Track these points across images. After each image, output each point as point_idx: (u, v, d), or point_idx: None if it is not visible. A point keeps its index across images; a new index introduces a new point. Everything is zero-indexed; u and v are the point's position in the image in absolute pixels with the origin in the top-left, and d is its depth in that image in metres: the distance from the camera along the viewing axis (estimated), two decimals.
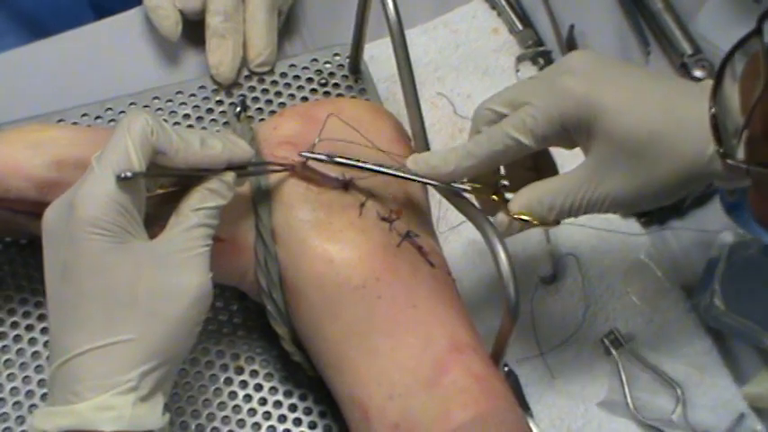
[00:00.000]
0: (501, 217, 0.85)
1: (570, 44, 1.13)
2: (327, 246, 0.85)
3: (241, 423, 0.91)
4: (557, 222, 0.85)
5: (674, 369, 0.96)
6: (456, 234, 1.01)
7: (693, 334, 0.98)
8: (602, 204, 0.82)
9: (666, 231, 1.04)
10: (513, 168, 0.89)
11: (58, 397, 0.74)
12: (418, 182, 0.87)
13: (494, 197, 0.87)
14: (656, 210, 1.03)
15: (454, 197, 0.87)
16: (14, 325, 0.94)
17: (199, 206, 0.79)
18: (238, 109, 1.03)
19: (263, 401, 0.92)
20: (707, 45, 1.13)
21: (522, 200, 0.84)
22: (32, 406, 0.90)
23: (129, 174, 0.74)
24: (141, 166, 0.75)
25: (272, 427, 0.91)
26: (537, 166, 0.89)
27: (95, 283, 0.74)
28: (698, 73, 1.11)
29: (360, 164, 0.87)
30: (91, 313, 0.74)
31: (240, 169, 0.82)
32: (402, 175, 0.87)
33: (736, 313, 0.97)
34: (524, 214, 0.83)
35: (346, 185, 0.88)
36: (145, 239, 0.76)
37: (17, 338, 0.93)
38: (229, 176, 0.81)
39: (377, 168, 0.87)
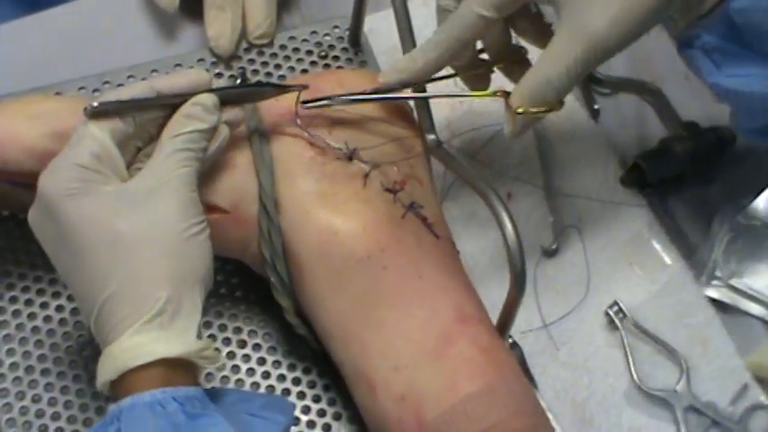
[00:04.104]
0: (506, 116, 0.84)
1: None
2: (332, 217, 0.84)
3: None
4: (561, 103, 0.83)
5: (677, 340, 0.96)
6: (458, 207, 1.01)
7: (696, 305, 0.98)
8: (591, 58, 0.80)
9: (668, 202, 1.04)
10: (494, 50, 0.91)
11: (102, 349, 0.76)
12: (412, 98, 0.89)
13: (496, 94, 0.87)
14: (658, 181, 1.02)
15: (459, 167, 0.87)
16: (13, 300, 0.93)
17: (176, 132, 0.79)
18: (238, 81, 1.03)
19: (266, 375, 0.92)
20: None
21: (520, 87, 0.83)
22: (32, 381, 0.90)
23: (94, 104, 0.76)
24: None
25: None
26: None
27: (83, 237, 0.75)
28: None
29: (356, 96, 0.88)
30: (90, 267, 0.75)
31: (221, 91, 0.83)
32: (393, 96, 0.88)
33: (738, 284, 0.98)
34: (527, 105, 0.82)
35: (350, 156, 0.87)
36: (124, 179, 0.78)
37: (16, 313, 0.92)
38: (206, 98, 0.81)
39: (372, 97, 0.88)
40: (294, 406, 0.89)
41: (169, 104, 0.80)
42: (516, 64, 0.87)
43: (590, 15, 0.80)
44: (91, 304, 0.75)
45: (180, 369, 0.74)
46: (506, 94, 0.85)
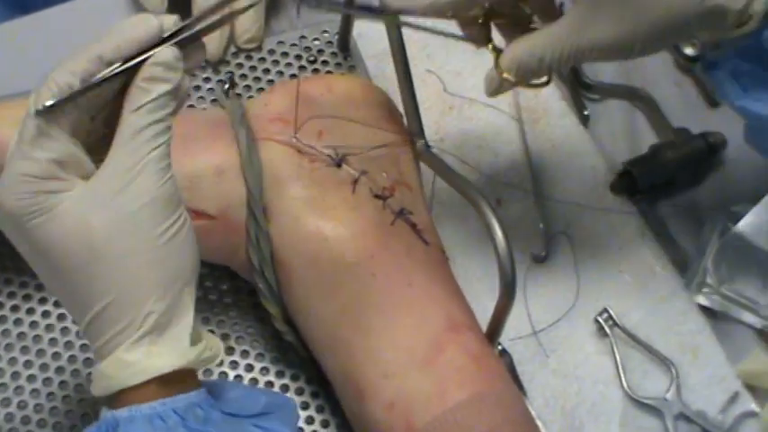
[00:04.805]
0: (491, 74, 0.84)
1: None
2: (321, 223, 0.84)
3: None
4: (546, 83, 0.85)
5: (668, 347, 0.96)
6: (447, 213, 1.00)
7: (686, 312, 0.98)
8: (590, 52, 0.81)
9: (658, 209, 1.03)
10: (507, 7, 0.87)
11: (95, 359, 0.71)
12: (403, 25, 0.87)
13: (489, 47, 0.86)
14: (649, 187, 1.02)
15: (449, 174, 0.87)
16: None
17: (139, 103, 0.67)
18: (227, 86, 1.02)
19: (254, 382, 0.91)
20: None
21: (512, 53, 0.83)
22: (18, 388, 0.89)
23: (47, 103, 0.66)
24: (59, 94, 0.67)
25: None
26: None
27: (58, 258, 0.68)
28: (688, 50, 1.10)
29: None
30: (71, 287, 0.69)
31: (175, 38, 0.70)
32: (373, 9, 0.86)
33: (728, 291, 0.97)
34: (514, 73, 0.83)
35: (339, 162, 0.86)
36: (90, 173, 0.69)
37: (1, 319, 0.92)
38: (166, 54, 0.69)
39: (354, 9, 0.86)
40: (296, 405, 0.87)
41: (123, 70, 0.68)
42: (518, 26, 0.85)
43: (602, 24, 0.79)
44: (79, 317, 0.70)
45: (178, 375, 0.69)
46: (497, 51, 0.84)
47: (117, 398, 0.69)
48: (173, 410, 0.68)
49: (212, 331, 0.92)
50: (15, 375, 0.90)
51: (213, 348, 0.72)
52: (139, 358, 0.68)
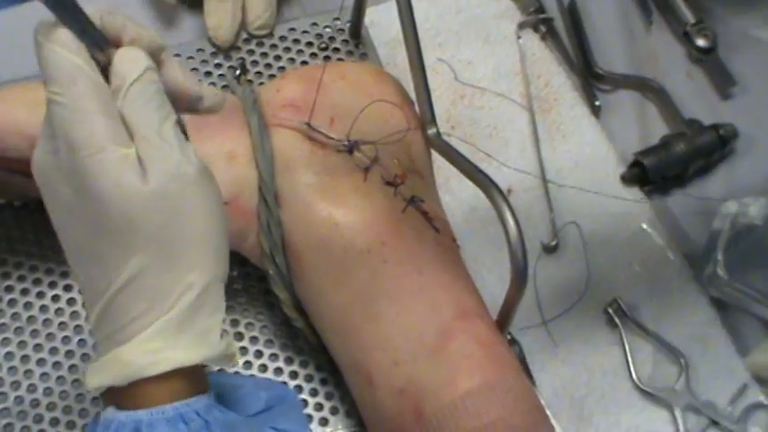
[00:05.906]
0: None
1: (572, 11, 1.11)
2: (332, 210, 0.84)
3: None
4: None
5: (677, 339, 0.96)
6: (458, 201, 1.00)
7: (696, 304, 0.98)
8: None
9: (669, 200, 1.03)
10: None
11: (104, 347, 0.64)
12: None
13: None
14: (659, 178, 1.02)
15: (461, 162, 0.86)
16: (9, 289, 0.92)
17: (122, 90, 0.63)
18: (238, 72, 1.02)
19: (263, 368, 0.91)
20: (709, 14, 1.12)
21: None
22: (27, 371, 0.89)
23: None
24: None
25: None
26: None
27: (104, 203, 0.61)
28: (701, 42, 1.10)
29: None
30: (107, 247, 0.62)
31: None
32: None
33: (739, 283, 0.97)
34: None
35: (351, 149, 0.86)
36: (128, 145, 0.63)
37: (12, 302, 0.92)
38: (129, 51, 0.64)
39: None
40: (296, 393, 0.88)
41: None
42: None
43: None
44: (99, 291, 0.63)
45: (196, 372, 0.65)
46: None
47: (125, 391, 0.63)
48: (196, 413, 0.63)
49: None
50: (25, 359, 0.90)
51: (231, 345, 0.67)
52: (166, 345, 0.62)
